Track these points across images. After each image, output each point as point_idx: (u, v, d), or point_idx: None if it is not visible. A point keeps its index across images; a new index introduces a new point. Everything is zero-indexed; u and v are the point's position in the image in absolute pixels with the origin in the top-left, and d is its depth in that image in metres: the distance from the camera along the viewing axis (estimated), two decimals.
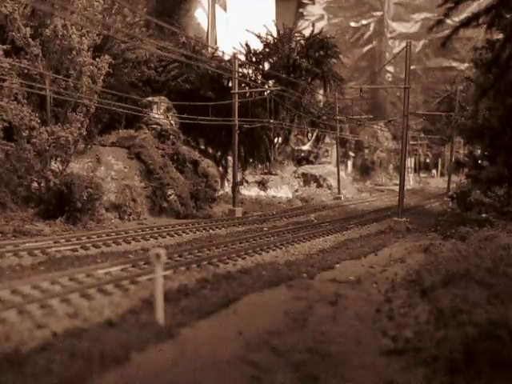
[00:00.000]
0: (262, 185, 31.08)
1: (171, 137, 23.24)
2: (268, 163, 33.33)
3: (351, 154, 51.77)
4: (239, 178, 26.62)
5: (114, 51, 22.53)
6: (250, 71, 31.57)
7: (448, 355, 5.41)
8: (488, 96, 15.10)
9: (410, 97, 19.27)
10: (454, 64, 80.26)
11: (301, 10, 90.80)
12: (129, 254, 11.75)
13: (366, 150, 54.38)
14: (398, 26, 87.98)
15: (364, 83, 61.96)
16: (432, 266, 10.06)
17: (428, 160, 69.01)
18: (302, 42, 33.55)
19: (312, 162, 43.40)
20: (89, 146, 18.63)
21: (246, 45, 32.71)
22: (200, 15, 48.09)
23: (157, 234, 14.87)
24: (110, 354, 5.55)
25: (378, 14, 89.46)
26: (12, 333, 6.25)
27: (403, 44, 23.05)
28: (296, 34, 34.29)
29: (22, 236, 13.45)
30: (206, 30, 47.95)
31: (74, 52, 16.68)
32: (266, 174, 33.08)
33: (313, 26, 35.65)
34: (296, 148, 43.24)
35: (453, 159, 33.76)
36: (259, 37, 33.35)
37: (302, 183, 36.70)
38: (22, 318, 6.81)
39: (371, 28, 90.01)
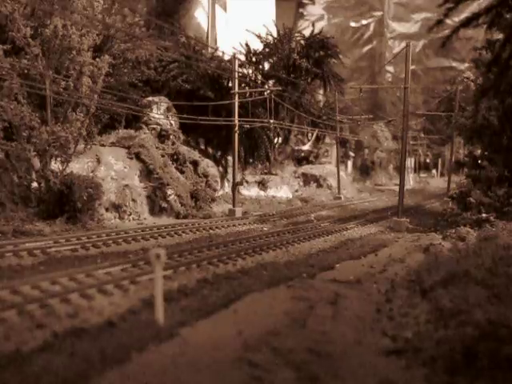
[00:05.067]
0: (262, 185, 31.05)
1: (171, 137, 23.23)
2: (268, 163, 33.29)
3: (351, 154, 51.69)
4: (239, 178, 26.61)
5: (114, 51, 22.51)
6: (250, 71, 31.53)
7: (448, 355, 5.42)
8: (488, 96, 15.08)
9: (409, 97, 19.28)
10: (454, 64, 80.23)
11: (301, 10, 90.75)
12: (129, 254, 11.76)
13: (366, 150, 54.30)
14: (398, 26, 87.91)
15: (364, 83, 61.91)
16: (432, 265, 10.07)
17: (428, 160, 68.96)
18: (302, 42, 33.49)
19: (312, 162, 43.33)
20: (89, 146, 18.62)
21: (246, 45, 32.67)
22: (200, 15, 48.04)
23: (157, 234, 14.87)
24: (110, 353, 5.55)
25: (378, 13, 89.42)
26: (12, 333, 6.25)
27: (403, 44, 23.05)
28: (296, 34, 34.23)
29: (22, 236, 13.44)
30: (206, 29, 47.89)
31: (74, 52, 16.67)
32: (266, 174, 33.05)
33: (313, 26, 35.61)
34: (296, 148, 43.17)
35: (453, 159, 33.76)
36: (259, 37, 33.30)
37: (301, 183, 36.66)
38: (21, 318, 6.82)
39: (371, 28, 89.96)
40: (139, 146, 20.62)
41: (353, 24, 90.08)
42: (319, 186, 36.86)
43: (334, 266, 11.26)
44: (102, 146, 20.32)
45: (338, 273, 10.53)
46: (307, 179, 37.26)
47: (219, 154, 30.16)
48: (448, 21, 8.94)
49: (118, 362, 5.36)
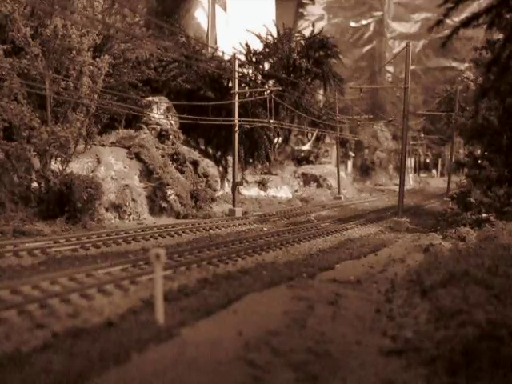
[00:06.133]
0: (262, 185, 31.06)
1: (171, 137, 23.24)
2: (268, 163, 33.30)
3: (351, 154, 51.70)
4: (239, 178, 26.60)
5: (113, 51, 22.51)
6: (250, 71, 31.53)
7: (448, 355, 5.41)
8: (488, 96, 15.08)
9: (409, 97, 19.29)
10: (454, 64, 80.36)
11: (301, 10, 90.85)
12: (129, 254, 11.75)
13: (366, 150, 54.34)
14: (398, 26, 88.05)
15: (364, 83, 61.94)
16: (432, 265, 10.06)
17: (428, 160, 69.04)
18: (302, 42, 33.49)
19: (312, 162, 43.36)
20: (89, 146, 18.63)
21: (246, 45, 32.68)
22: (200, 15, 48.03)
23: (157, 234, 14.87)
24: (109, 354, 5.55)
25: (378, 13, 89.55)
26: (12, 332, 6.25)
27: (403, 44, 23.08)
28: (296, 34, 34.23)
29: (22, 236, 13.45)
30: (206, 30, 47.89)
31: (74, 52, 16.68)
32: (266, 173, 33.06)
33: (313, 26, 35.60)
34: (296, 148, 43.21)
35: (453, 159, 33.76)
36: (259, 37, 33.30)
37: (301, 183, 36.68)
38: (22, 318, 6.81)
39: (371, 28, 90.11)
40: (139, 146, 20.63)
41: (353, 24, 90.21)
42: (319, 186, 36.87)
43: (334, 266, 11.26)
44: (102, 146, 20.33)
45: (338, 273, 10.53)
46: (307, 179, 37.28)
47: (219, 154, 30.16)
48: (448, 21, 8.94)
49: (117, 362, 5.36)
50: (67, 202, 15.66)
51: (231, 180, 22.99)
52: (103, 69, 17.36)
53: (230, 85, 25.29)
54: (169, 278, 9.18)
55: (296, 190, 33.88)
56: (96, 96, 17.58)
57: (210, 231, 16.50)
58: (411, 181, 52.21)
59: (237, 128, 21.51)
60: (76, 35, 16.66)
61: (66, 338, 6.07)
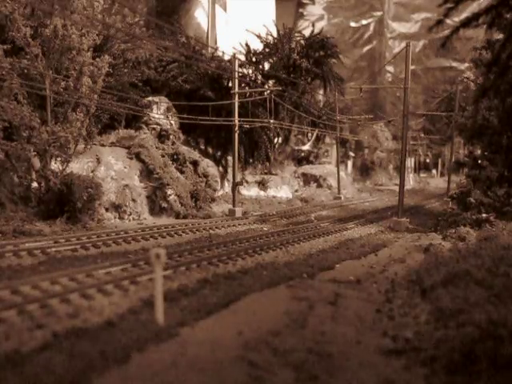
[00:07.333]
0: (262, 185, 31.05)
1: (171, 137, 23.24)
2: (268, 163, 33.29)
3: (351, 154, 51.68)
4: (239, 178, 26.59)
5: (113, 51, 22.52)
6: (250, 71, 31.53)
7: (448, 355, 5.42)
8: (488, 96, 15.08)
9: (409, 97, 19.29)
10: (454, 64, 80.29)
11: (301, 10, 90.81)
12: (129, 254, 11.75)
13: (366, 150, 54.32)
14: (398, 26, 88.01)
15: (364, 83, 61.95)
16: (432, 265, 10.07)
17: (428, 160, 68.99)
18: (302, 42, 33.48)
19: (312, 162, 43.35)
20: (89, 146, 18.62)
21: (246, 45, 32.68)
22: (200, 15, 48.01)
23: (157, 234, 14.87)
24: (110, 353, 5.55)
25: (378, 13, 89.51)
26: (12, 332, 6.25)
27: (403, 44, 23.10)
28: (296, 34, 34.22)
29: (22, 236, 13.44)
30: (206, 30, 47.87)
31: (74, 52, 16.69)
32: (266, 174, 33.05)
33: (313, 26, 35.59)
34: (296, 148, 43.19)
35: (453, 159, 33.75)
36: (259, 37, 33.29)
37: (301, 183, 36.68)
38: (21, 318, 6.81)
39: (371, 28, 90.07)
40: (139, 146, 20.62)
41: (353, 24, 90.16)
42: (319, 186, 36.87)
43: (334, 266, 11.26)
44: (102, 145, 20.32)
45: (338, 273, 10.53)
46: (307, 179, 37.27)
47: (219, 153, 30.16)
48: (448, 21, 8.95)
49: (118, 362, 5.36)
50: (67, 202, 15.66)
51: (231, 180, 22.97)
52: (103, 69, 17.36)
53: (230, 85, 25.28)
54: (169, 278, 9.18)
55: (296, 190, 33.88)
56: (96, 96, 17.57)
57: (210, 231, 16.49)
58: (411, 181, 52.20)
59: (237, 128, 21.50)
60: (76, 35, 16.66)
61: (66, 338, 6.07)
